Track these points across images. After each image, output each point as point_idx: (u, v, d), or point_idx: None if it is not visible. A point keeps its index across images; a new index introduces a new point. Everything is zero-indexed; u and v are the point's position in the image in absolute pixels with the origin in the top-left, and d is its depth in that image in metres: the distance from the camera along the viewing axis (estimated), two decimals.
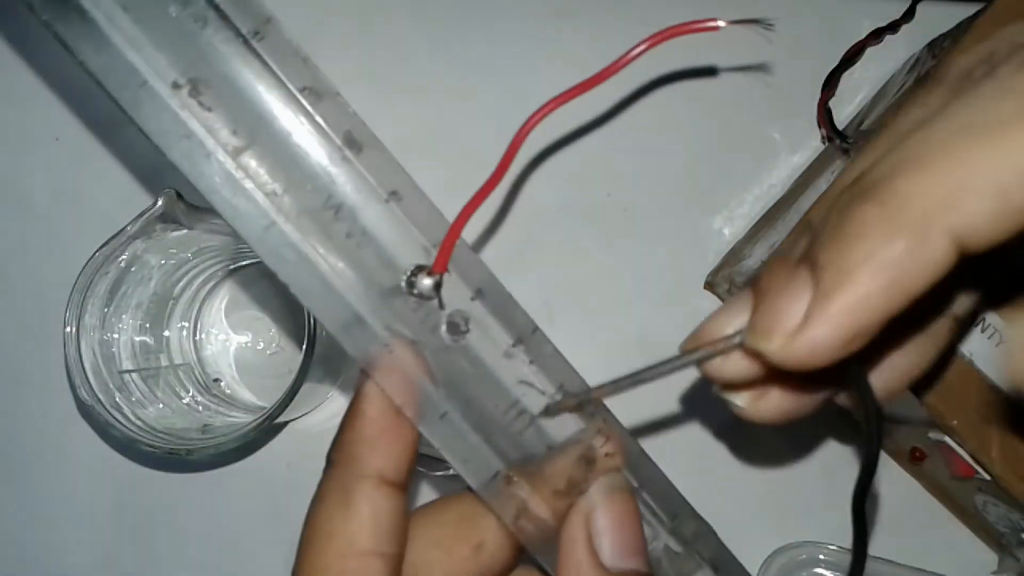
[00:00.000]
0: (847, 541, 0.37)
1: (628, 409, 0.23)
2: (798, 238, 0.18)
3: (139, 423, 0.34)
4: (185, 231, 0.33)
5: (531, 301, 0.22)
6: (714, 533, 0.24)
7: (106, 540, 0.40)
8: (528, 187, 0.40)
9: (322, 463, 0.41)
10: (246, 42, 0.18)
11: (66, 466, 0.41)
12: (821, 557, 0.37)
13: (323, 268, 0.19)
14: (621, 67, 0.18)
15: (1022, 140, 0.15)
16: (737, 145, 0.40)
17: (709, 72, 0.40)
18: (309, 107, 0.19)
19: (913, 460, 0.36)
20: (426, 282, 0.20)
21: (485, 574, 0.22)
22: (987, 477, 0.34)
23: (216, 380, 0.40)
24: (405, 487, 0.21)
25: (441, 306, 0.20)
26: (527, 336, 0.21)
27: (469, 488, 0.21)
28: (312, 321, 0.33)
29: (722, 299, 0.37)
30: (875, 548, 0.37)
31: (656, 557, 0.23)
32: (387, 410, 0.20)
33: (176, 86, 0.18)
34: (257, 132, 0.19)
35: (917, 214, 0.15)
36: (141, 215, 0.32)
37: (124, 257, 0.34)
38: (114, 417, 0.33)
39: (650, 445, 0.23)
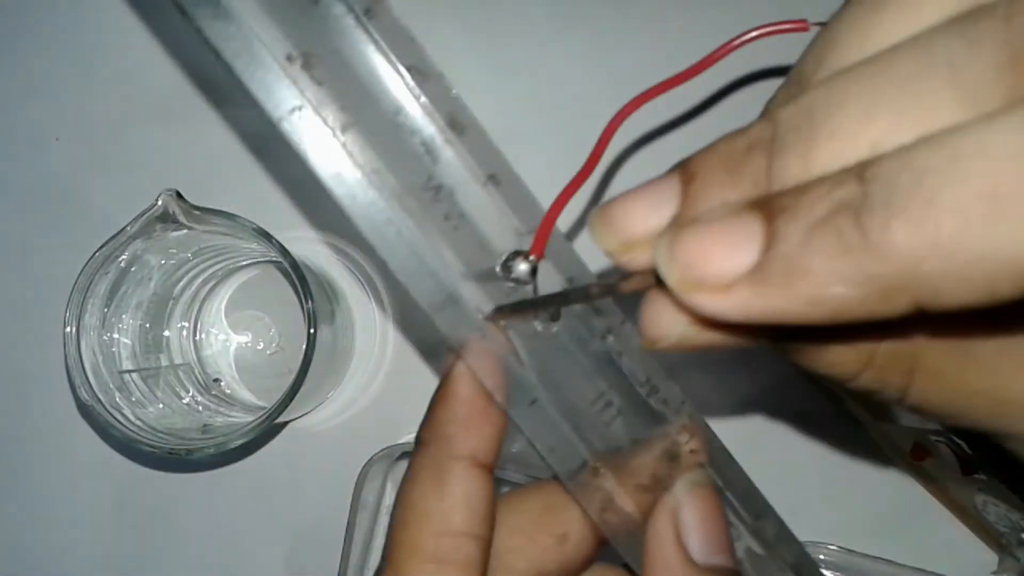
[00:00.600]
0: (847, 541, 0.37)
1: None
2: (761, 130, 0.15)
3: (139, 423, 0.34)
4: (185, 231, 0.33)
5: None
6: (795, 538, 0.23)
7: (106, 540, 0.40)
8: (616, 182, 0.40)
9: (322, 463, 0.41)
10: (358, 19, 0.18)
11: (66, 466, 0.41)
12: (821, 557, 0.37)
13: (421, 248, 0.19)
14: (710, 64, 0.18)
15: None
16: None
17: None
18: (415, 87, 0.19)
19: (914, 459, 0.36)
20: (523, 267, 0.20)
21: (567, 565, 0.21)
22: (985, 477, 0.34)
23: (216, 380, 0.40)
24: (493, 471, 0.20)
25: (535, 292, 0.20)
26: (616, 327, 0.21)
27: (553, 478, 0.21)
28: (312, 321, 0.33)
29: None
30: (875, 548, 0.37)
31: (739, 559, 0.23)
32: (479, 392, 0.20)
33: (290, 58, 0.18)
34: (364, 109, 0.19)
35: (892, 268, 0.12)
36: (141, 215, 0.32)
37: (124, 257, 0.34)
38: (114, 417, 0.33)
39: None
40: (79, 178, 0.42)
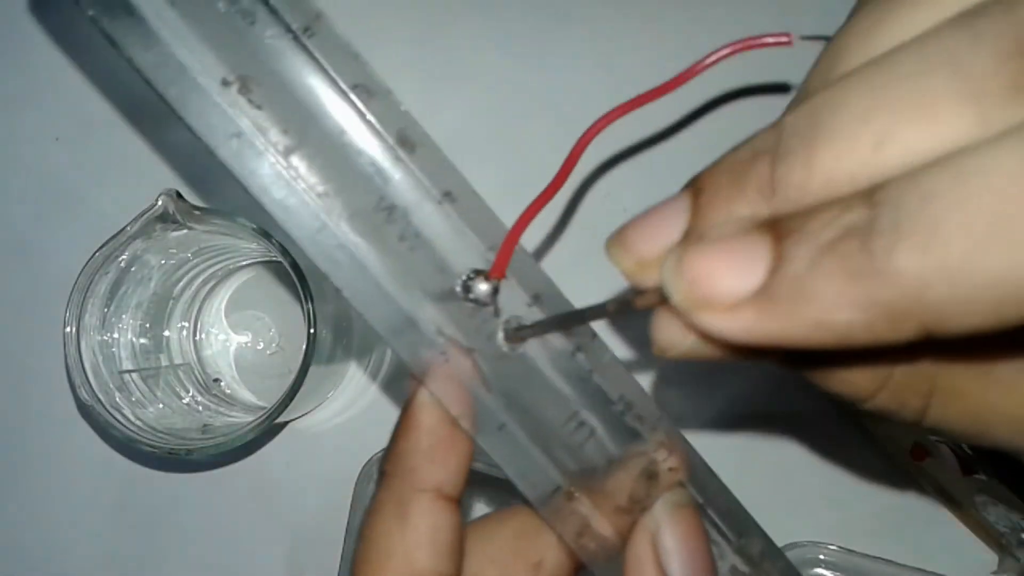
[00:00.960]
0: (847, 541, 0.37)
1: None
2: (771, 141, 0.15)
3: (139, 423, 0.34)
4: (185, 231, 0.33)
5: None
6: (782, 553, 0.23)
7: (106, 540, 0.40)
8: (588, 199, 0.39)
9: (322, 463, 0.41)
10: (296, 39, 0.18)
11: (66, 466, 0.41)
12: (821, 557, 0.37)
13: (376, 272, 0.18)
14: (686, 80, 0.17)
15: None
16: None
17: (777, 90, 0.39)
18: (361, 105, 0.18)
19: (914, 458, 0.36)
20: (483, 287, 0.19)
21: None
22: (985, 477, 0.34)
23: (216, 380, 0.40)
24: (460, 501, 0.20)
25: (496, 313, 0.19)
26: (587, 344, 0.20)
27: (525, 502, 0.20)
28: (312, 321, 0.33)
29: None
30: (875, 548, 0.37)
31: None
32: (443, 420, 0.19)
33: (225, 83, 0.17)
34: (308, 131, 0.18)
35: (899, 294, 0.12)
36: (141, 215, 0.32)
37: (124, 257, 0.34)
38: (114, 417, 0.33)
39: None
40: (79, 178, 0.42)
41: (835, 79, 0.14)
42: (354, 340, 0.40)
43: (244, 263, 0.40)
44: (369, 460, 0.37)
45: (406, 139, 0.18)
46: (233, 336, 0.40)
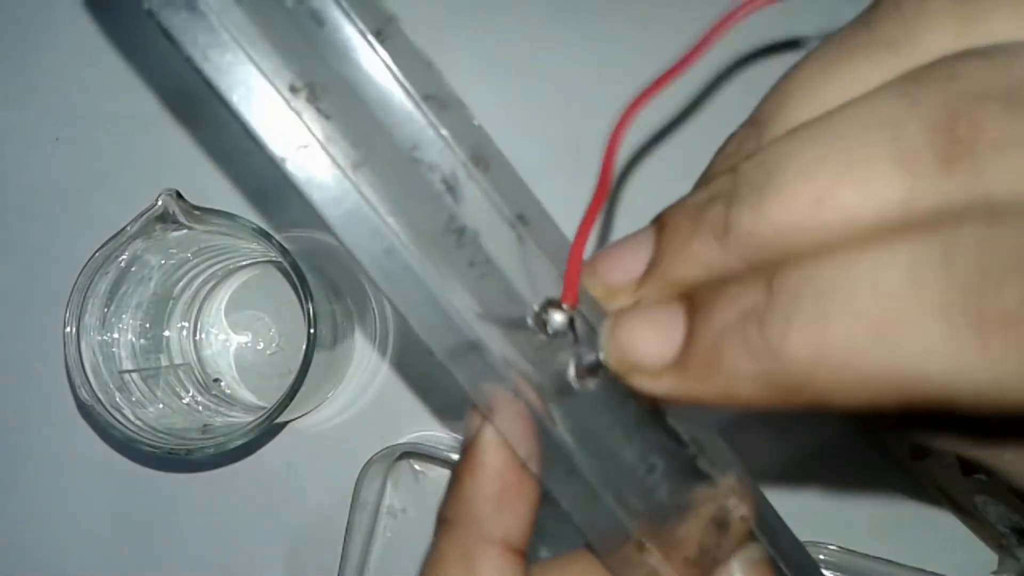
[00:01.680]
0: (847, 541, 0.37)
1: None
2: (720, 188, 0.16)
3: (139, 423, 0.34)
4: (185, 231, 0.33)
5: None
6: None
7: (106, 540, 0.40)
8: (628, 192, 0.38)
9: (322, 463, 0.41)
10: (368, 43, 0.16)
11: (66, 466, 0.41)
12: (821, 557, 0.37)
13: (443, 299, 0.17)
14: (704, 47, 0.16)
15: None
16: None
17: (789, 47, 0.38)
18: (433, 118, 0.17)
19: (913, 458, 0.36)
20: (558, 318, 0.17)
21: None
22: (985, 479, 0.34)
23: (216, 380, 0.40)
24: (526, 554, 0.19)
25: (576, 340, 0.18)
26: None
27: (591, 550, 0.19)
28: (312, 321, 0.33)
29: None
30: (875, 548, 0.37)
31: None
32: (511, 463, 0.18)
33: (293, 90, 0.16)
34: (377, 144, 0.16)
35: (790, 374, 0.14)
36: (141, 215, 0.32)
37: (124, 257, 0.34)
38: (114, 417, 0.33)
39: None
40: (79, 178, 0.42)
41: (784, 125, 0.15)
42: (355, 338, 0.40)
43: (244, 263, 0.40)
44: (369, 460, 0.37)
45: (480, 156, 0.17)
46: (233, 336, 0.40)
